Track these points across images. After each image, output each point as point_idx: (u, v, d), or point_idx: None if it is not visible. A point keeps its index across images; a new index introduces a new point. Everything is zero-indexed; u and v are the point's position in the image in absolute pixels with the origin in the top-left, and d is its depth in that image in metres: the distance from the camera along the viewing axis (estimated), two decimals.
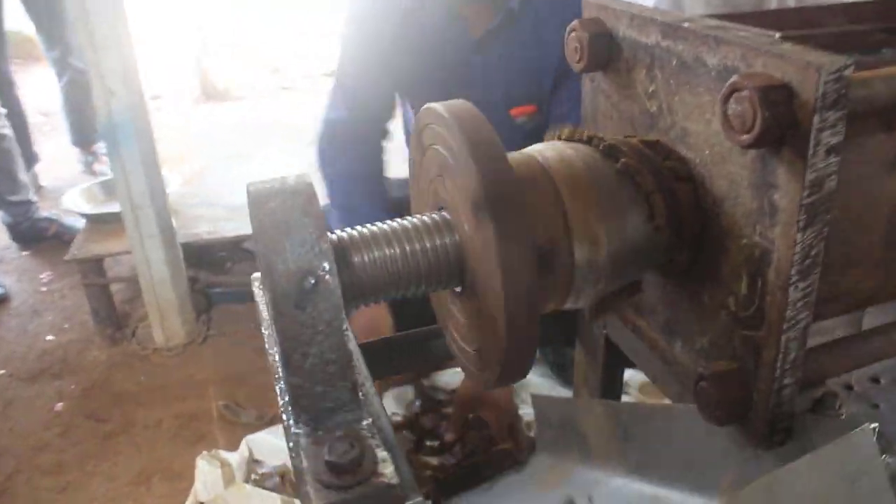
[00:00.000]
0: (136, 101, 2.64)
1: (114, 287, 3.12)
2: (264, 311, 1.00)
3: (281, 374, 0.82)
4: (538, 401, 1.51)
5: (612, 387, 1.45)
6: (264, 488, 2.13)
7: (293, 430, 0.81)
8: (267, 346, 0.95)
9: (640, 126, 0.96)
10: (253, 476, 2.22)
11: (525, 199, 0.76)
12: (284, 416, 0.83)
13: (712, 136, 0.83)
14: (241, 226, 3.04)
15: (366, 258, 0.81)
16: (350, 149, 2.14)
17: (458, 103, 0.82)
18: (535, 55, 2.01)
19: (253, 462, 2.28)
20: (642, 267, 0.91)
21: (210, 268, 3.21)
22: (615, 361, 1.40)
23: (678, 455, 1.12)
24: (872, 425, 0.85)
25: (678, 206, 0.87)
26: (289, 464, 2.26)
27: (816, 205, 0.72)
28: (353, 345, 1.04)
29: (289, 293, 0.74)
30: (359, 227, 0.83)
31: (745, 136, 0.72)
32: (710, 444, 1.04)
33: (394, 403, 2.29)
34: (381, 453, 0.76)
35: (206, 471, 2.18)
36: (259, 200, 0.77)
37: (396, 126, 2.28)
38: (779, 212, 0.75)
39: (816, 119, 0.68)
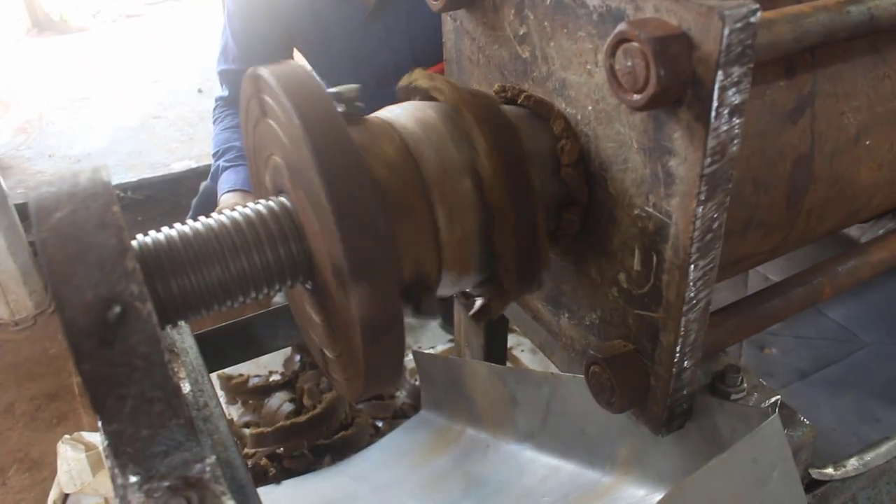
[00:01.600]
0: None
1: None
2: None
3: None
4: (419, 357, 1.41)
5: (496, 348, 1.37)
6: None
7: (118, 481, 0.66)
8: None
9: (511, 74, 0.83)
10: None
11: (376, 185, 0.61)
12: (108, 463, 0.69)
13: (595, 89, 0.71)
14: None
15: (187, 268, 0.65)
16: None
17: (288, 67, 0.66)
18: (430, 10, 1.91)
19: None
20: None
21: None
22: (498, 323, 1.32)
23: (571, 425, 1.05)
24: (774, 399, 0.79)
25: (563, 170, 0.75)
26: None
27: (718, 174, 0.62)
28: (193, 356, 0.89)
29: (90, 329, 0.58)
30: (175, 228, 0.67)
31: (636, 97, 0.60)
32: (604, 417, 0.96)
33: (273, 361, 2.16)
34: (229, 503, 0.62)
35: (69, 457, 1.98)
36: (42, 211, 0.59)
37: None
38: (675, 181, 0.65)
39: (720, 75, 0.57)
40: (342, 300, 0.63)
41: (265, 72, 0.65)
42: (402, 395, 2.03)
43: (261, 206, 0.67)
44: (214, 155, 1.95)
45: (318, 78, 0.64)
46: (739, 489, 0.67)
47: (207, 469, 0.65)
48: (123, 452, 0.65)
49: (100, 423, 0.73)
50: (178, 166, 2.79)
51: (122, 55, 4.09)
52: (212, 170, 1.95)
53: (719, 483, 0.66)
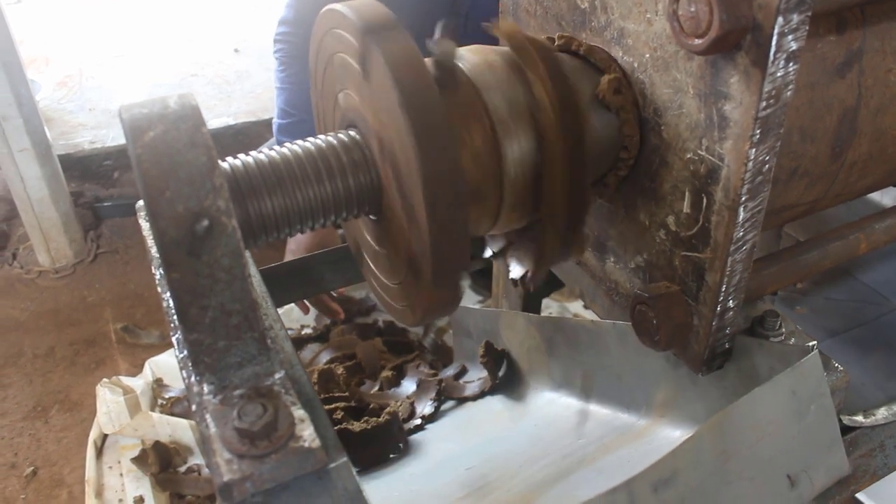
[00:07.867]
0: None
1: None
2: (153, 249, 0.87)
3: (177, 327, 0.71)
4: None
5: (533, 299, 1.41)
6: (172, 414, 2.03)
7: (195, 389, 0.71)
8: (160, 288, 0.84)
9: (569, 24, 0.86)
10: (160, 402, 2.11)
11: (452, 122, 0.65)
12: (185, 374, 0.74)
13: (653, 37, 0.74)
14: None
15: (268, 190, 0.69)
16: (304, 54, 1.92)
17: (366, 3, 0.70)
18: None
19: (158, 386, 2.17)
20: None
21: (96, 180, 2.96)
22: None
23: (607, 372, 1.09)
24: (811, 344, 0.82)
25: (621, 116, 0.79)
26: None
27: (772, 118, 0.65)
28: (257, 283, 0.94)
29: (179, 240, 0.63)
30: (259, 153, 0.71)
31: (697, 41, 0.63)
32: (641, 362, 1.00)
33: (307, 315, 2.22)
34: (298, 412, 0.67)
35: (108, 400, 2.06)
36: (136, 130, 0.64)
37: None
38: (730, 125, 0.68)
39: (780, 21, 0.60)
40: (412, 229, 0.67)
41: (342, 7, 0.69)
42: (427, 352, 2.09)
43: (342, 135, 0.71)
44: (285, 113, 1.88)
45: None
46: (779, 418, 0.70)
47: (278, 381, 0.70)
48: (201, 362, 0.69)
49: (176, 337, 0.78)
50: (216, 123, 2.85)
51: (157, 14, 4.13)
52: (279, 130, 1.89)
53: (760, 411, 0.70)
